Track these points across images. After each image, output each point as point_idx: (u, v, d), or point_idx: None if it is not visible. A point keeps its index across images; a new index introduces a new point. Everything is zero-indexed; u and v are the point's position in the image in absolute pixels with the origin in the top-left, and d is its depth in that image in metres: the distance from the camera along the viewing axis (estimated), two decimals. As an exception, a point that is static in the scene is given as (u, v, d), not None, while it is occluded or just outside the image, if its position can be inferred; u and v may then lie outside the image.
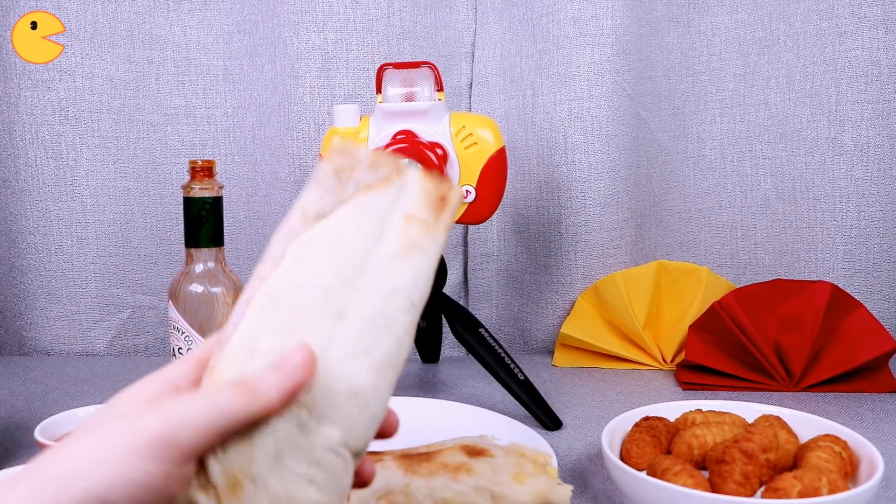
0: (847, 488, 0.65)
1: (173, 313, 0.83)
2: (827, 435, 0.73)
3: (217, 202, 0.88)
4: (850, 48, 1.11)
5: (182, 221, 0.90)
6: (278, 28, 1.13)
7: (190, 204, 0.87)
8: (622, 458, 0.74)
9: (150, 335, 1.21)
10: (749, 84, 1.18)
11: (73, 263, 1.16)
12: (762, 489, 0.67)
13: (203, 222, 0.87)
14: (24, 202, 1.15)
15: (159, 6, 1.17)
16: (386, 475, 0.62)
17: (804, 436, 0.76)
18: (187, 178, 0.90)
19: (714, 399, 0.84)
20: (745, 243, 1.21)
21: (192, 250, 0.87)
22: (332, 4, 1.11)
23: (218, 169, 0.92)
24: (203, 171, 0.88)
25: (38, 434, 0.72)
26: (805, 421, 0.78)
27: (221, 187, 0.90)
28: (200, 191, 0.87)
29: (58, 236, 1.15)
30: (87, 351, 1.18)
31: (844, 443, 0.72)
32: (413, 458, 0.65)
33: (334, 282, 0.42)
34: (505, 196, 0.92)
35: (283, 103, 1.14)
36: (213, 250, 0.87)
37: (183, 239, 0.89)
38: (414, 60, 0.88)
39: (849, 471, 0.70)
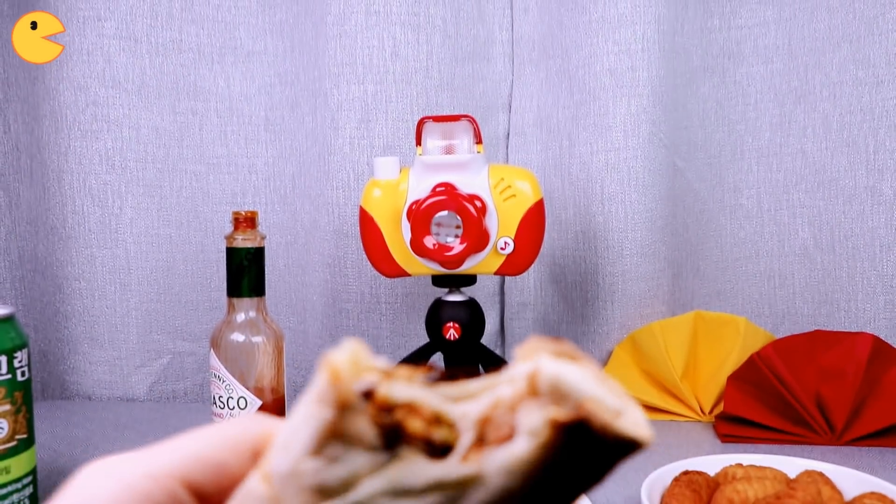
0: (893, 549, 0.64)
1: (215, 362, 0.84)
2: (873, 493, 0.72)
3: (259, 252, 0.90)
4: (887, 97, 1.11)
5: (223, 269, 0.91)
6: (319, 80, 1.15)
7: (232, 254, 0.89)
8: (662, 514, 0.74)
9: (189, 381, 1.23)
10: (785, 133, 1.18)
11: (115, 309, 1.18)
12: (806, 548, 0.66)
13: (245, 272, 0.88)
14: (69, 249, 1.17)
15: (204, 58, 1.20)
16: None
17: (849, 492, 0.75)
18: (229, 226, 0.92)
19: (754, 453, 0.84)
20: (784, 293, 1.20)
21: (234, 300, 0.88)
22: (371, 57, 1.13)
23: (259, 219, 0.94)
24: (246, 221, 0.89)
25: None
26: (849, 477, 0.77)
27: (264, 238, 0.91)
28: (243, 241, 0.89)
29: (101, 282, 1.18)
30: (127, 396, 1.20)
31: (891, 501, 0.71)
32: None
33: None
34: (542, 246, 0.93)
35: (323, 153, 1.16)
36: (255, 300, 0.88)
37: (223, 286, 0.91)
38: (452, 113, 0.90)
39: (895, 530, 0.69)
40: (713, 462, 0.81)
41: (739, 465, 0.81)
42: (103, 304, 1.18)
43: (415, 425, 0.24)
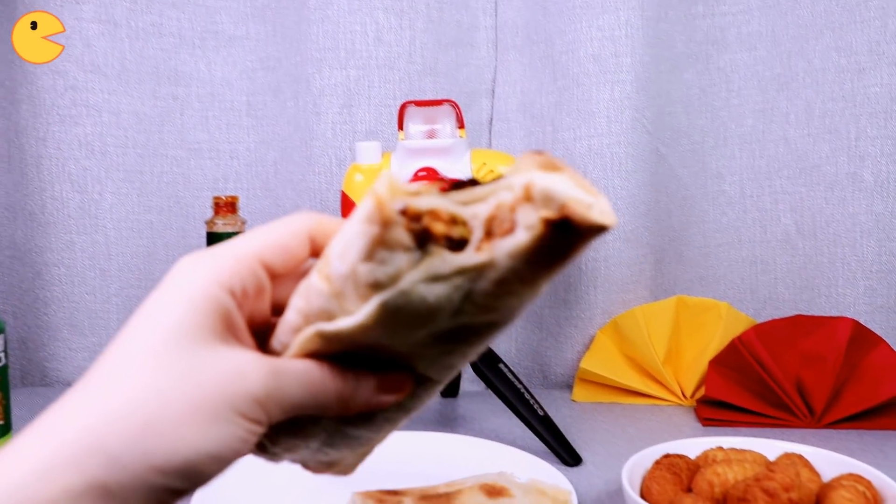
0: (871, 529, 0.64)
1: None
2: (850, 474, 0.73)
3: (240, 237, 0.89)
4: (869, 84, 1.11)
5: (205, 255, 0.91)
6: (301, 65, 1.15)
7: (213, 239, 0.88)
8: (642, 496, 0.74)
9: (171, 367, 1.22)
10: (768, 120, 1.18)
11: (95, 296, 1.17)
12: (785, 529, 0.67)
13: (226, 257, 0.88)
14: (49, 235, 1.16)
15: (185, 43, 1.19)
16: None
17: (827, 474, 0.76)
18: (210, 212, 0.91)
19: (735, 436, 0.84)
20: (766, 278, 1.21)
21: (215, 284, 0.88)
22: (354, 42, 1.12)
23: (240, 204, 0.93)
24: (227, 206, 0.89)
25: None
26: (828, 459, 0.78)
27: (244, 223, 0.91)
28: (224, 226, 0.88)
29: (81, 269, 1.17)
30: (108, 383, 1.19)
31: (868, 482, 0.71)
32: (432, 500, 0.65)
33: None
34: (525, 231, 0.93)
35: (306, 139, 1.16)
36: (236, 284, 0.88)
37: (205, 273, 0.90)
38: (435, 98, 0.90)
39: (872, 511, 0.70)
40: (694, 445, 0.82)
41: (720, 448, 0.81)
42: (83, 291, 1.17)
43: (438, 227, 0.32)
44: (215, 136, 1.21)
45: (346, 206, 0.92)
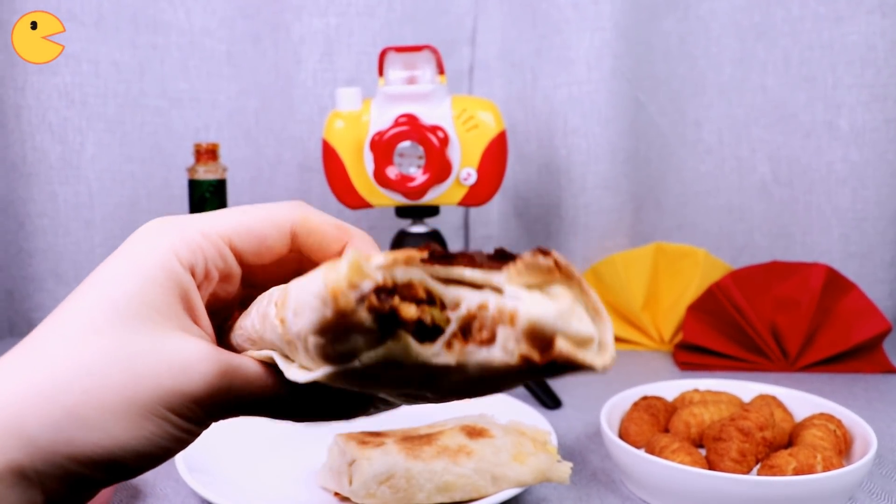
0: (841, 465, 0.67)
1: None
2: (822, 414, 0.75)
3: (221, 184, 0.90)
4: (846, 32, 1.12)
5: (187, 204, 0.91)
6: (280, 13, 1.14)
7: (194, 186, 0.89)
8: (621, 437, 0.76)
9: (155, 316, 1.22)
10: (746, 68, 1.19)
11: (79, 246, 1.17)
12: (758, 466, 0.69)
13: (207, 204, 0.88)
14: (31, 186, 1.16)
15: (163, -9, 1.17)
16: (387, 460, 0.64)
17: (799, 414, 0.78)
18: (192, 161, 0.92)
19: (711, 378, 0.86)
20: (742, 226, 1.22)
21: (198, 233, 0.88)
22: (334, -11, 1.12)
23: (222, 152, 0.93)
24: (207, 153, 0.89)
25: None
26: (800, 400, 0.80)
27: (225, 170, 0.91)
28: (205, 173, 0.89)
29: (65, 219, 1.17)
30: (93, 332, 1.20)
31: (839, 421, 0.74)
32: (414, 442, 0.66)
33: None
34: (505, 179, 0.94)
35: (286, 87, 1.15)
36: (219, 233, 0.89)
37: (188, 222, 0.91)
38: (415, 44, 0.89)
39: (843, 448, 0.72)
40: (671, 388, 0.84)
41: (696, 390, 0.83)
42: (68, 242, 1.17)
43: (408, 312, 0.27)
44: (195, 85, 1.20)
45: (328, 153, 0.92)
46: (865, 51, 1.12)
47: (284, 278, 0.36)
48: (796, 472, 0.65)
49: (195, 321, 0.34)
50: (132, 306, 0.32)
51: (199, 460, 0.71)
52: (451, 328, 0.28)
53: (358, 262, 0.27)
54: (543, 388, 0.91)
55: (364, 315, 0.27)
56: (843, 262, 1.15)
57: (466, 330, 0.28)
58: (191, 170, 0.89)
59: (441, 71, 0.89)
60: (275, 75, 1.17)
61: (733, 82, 1.20)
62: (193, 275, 0.34)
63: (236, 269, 0.36)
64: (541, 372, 0.28)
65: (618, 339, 1.12)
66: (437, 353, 0.28)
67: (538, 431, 0.68)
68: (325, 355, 0.29)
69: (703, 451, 0.73)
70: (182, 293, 0.33)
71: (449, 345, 0.28)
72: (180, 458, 0.70)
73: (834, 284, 1.03)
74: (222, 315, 0.38)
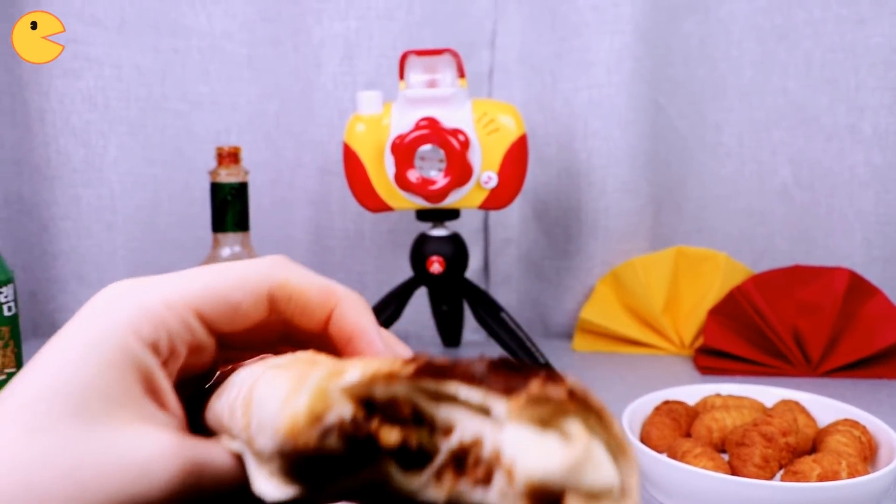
0: (866, 472, 0.66)
1: (202, 297, 0.85)
2: (846, 419, 0.75)
3: (242, 187, 0.90)
4: (869, 35, 1.11)
5: (208, 207, 0.92)
6: (301, 16, 1.14)
7: (216, 189, 0.89)
8: (642, 441, 0.75)
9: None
10: (767, 71, 1.18)
11: (102, 248, 1.18)
12: (781, 472, 0.69)
13: (229, 207, 0.89)
14: (54, 189, 1.17)
15: (184, -5, 1.18)
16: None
17: (823, 420, 0.78)
18: (213, 164, 0.92)
19: (733, 383, 0.86)
20: (763, 230, 1.22)
21: (219, 235, 0.89)
22: (354, -8, 1.12)
23: (242, 155, 0.94)
24: (229, 156, 0.90)
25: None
26: (824, 405, 0.79)
27: (247, 173, 0.92)
28: (227, 176, 0.89)
29: (87, 222, 1.17)
30: (115, 334, 1.20)
31: (863, 427, 0.73)
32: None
33: None
34: (525, 182, 0.94)
35: (307, 90, 1.16)
36: (240, 234, 0.89)
37: (209, 225, 0.91)
38: (436, 48, 0.90)
39: (868, 455, 0.71)
40: (693, 392, 0.84)
41: (718, 395, 0.83)
42: (90, 244, 1.18)
43: (389, 437, 0.24)
44: (216, 88, 1.21)
45: (349, 156, 0.93)
46: (889, 53, 1.11)
47: (267, 343, 0.34)
48: (821, 479, 0.65)
49: (160, 405, 0.30)
50: (83, 396, 0.28)
51: None
52: (441, 458, 0.24)
53: (322, 389, 0.24)
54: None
55: (334, 442, 0.24)
56: (865, 266, 1.14)
57: (460, 460, 0.24)
58: (213, 173, 0.90)
59: (461, 74, 0.90)
60: (295, 78, 1.18)
61: (754, 85, 1.19)
62: (157, 352, 0.30)
63: (207, 340, 0.32)
64: None
65: (638, 344, 1.12)
66: (424, 485, 0.24)
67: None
68: (293, 478, 0.26)
69: (725, 457, 0.72)
70: (143, 375, 0.29)
71: (438, 477, 0.24)
72: None
73: (857, 289, 1.02)
74: (197, 384, 0.34)
